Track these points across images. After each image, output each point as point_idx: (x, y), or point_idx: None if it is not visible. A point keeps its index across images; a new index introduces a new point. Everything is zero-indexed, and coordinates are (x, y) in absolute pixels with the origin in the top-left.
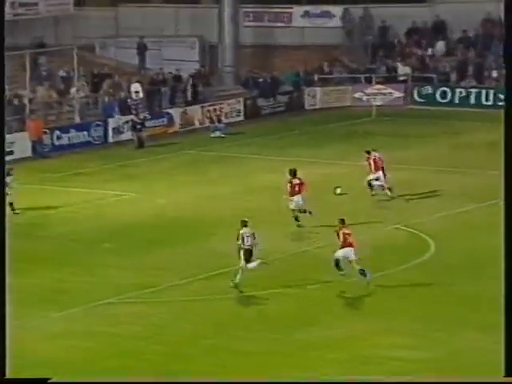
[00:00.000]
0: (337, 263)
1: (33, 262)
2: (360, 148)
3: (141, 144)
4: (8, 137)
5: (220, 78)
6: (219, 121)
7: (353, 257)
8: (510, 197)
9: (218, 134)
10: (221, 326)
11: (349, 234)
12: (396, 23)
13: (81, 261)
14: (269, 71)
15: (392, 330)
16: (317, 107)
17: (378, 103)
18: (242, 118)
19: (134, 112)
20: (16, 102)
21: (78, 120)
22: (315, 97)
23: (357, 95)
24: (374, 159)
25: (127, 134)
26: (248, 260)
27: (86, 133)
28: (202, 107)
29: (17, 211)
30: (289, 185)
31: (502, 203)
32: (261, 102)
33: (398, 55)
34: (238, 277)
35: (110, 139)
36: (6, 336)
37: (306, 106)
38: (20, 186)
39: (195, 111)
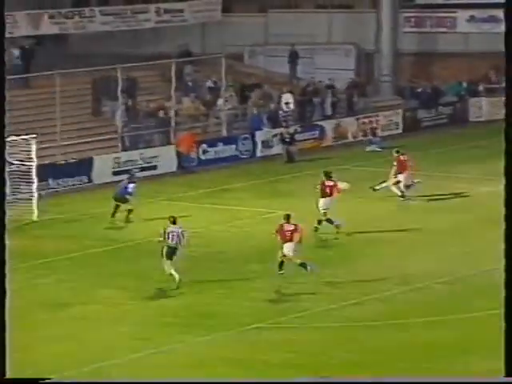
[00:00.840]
0: (280, 264)
1: (173, 283)
2: None
3: (291, 158)
4: (151, 151)
5: (376, 88)
6: (374, 134)
7: (291, 253)
8: (510, 196)
9: (373, 147)
10: (382, 354)
11: (290, 231)
12: None
13: (228, 283)
14: (429, 80)
15: None
16: (482, 119)
17: None
18: (399, 130)
19: (284, 124)
20: (161, 114)
21: (225, 133)
22: (481, 108)
23: None
24: (400, 159)
25: (276, 148)
26: (171, 258)
27: (233, 146)
28: (357, 119)
29: (131, 219)
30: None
31: None
32: (421, 113)
33: None
34: (174, 273)
35: (259, 153)
36: (5, 336)
37: (471, 118)
38: (164, 203)
39: (349, 124)
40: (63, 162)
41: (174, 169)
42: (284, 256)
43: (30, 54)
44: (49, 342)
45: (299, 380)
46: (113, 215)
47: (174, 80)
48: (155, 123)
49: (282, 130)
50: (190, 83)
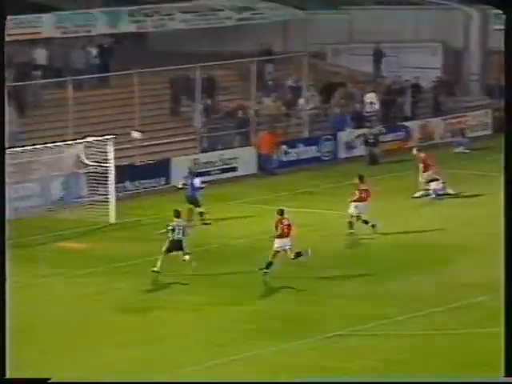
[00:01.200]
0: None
1: (252, 288)
2: None
3: (374, 160)
4: (231, 152)
5: (465, 88)
6: (463, 135)
7: (287, 246)
8: (510, 195)
9: (461, 149)
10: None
11: (287, 226)
12: None
13: (308, 288)
14: None
15: None
16: None
17: None
18: (489, 131)
19: (367, 125)
20: (240, 114)
21: (306, 134)
22: None
23: None
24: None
25: (359, 149)
26: (171, 250)
27: (314, 148)
28: (444, 119)
29: (207, 221)
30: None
31: None
32: None
33: None
34: (159, 264)
35: (341, 155)
36: (5, 336)
37: None
38: (244, 206)
39: (436, 124)
40: (141, 164)
41: (254, 170)
42: (277, 252)
43: (108, 53)
44: (125, 347)
45: (299, 380)
46: (189, 218)
47: (254, 79)
48: (234, 123)
49: (365, 130)
50: (270, 82)
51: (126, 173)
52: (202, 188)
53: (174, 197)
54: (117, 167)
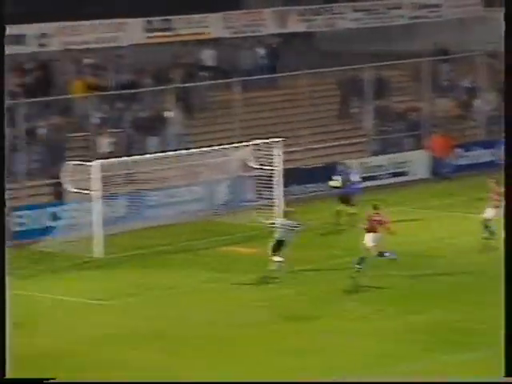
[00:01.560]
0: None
1: (426, 296)
2: None
3: None
4: (402, 155)
5: None
6: None
7: (371, 243)
8: (510, 194)
9: None
10: None
11: (377, 221)
12: None
13: (475, 298)
14: None
15: None
16: None
17: None
18: None
19: None
20: (411, 115)
21: (483, 136)
22: None
23: None
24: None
25: None
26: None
27: (491, 151)
28: None
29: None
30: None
31: None
32: None
33: None
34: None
35: None
36: (5, 336)
37: None
38: (416, 212)
39: None
40: (308, 167)
41: (427, 175)
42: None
43: (276, 53)
44: (287, 355)
45: (300, 380)
46: (336, 221)
47: (427, 80)
48: (406, 126)
49: None
50: (445, 83)
51: (292, 176)
52: (359, 184)
53: None
54: (284, 170)
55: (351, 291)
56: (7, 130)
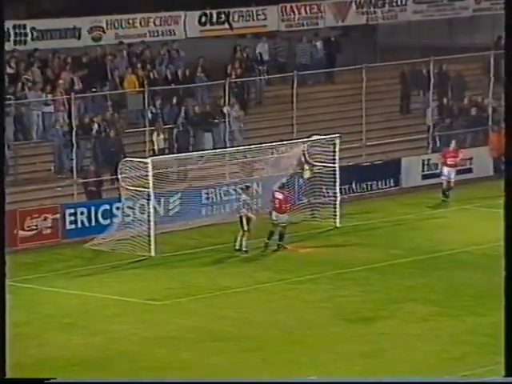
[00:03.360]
0: None
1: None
2: None
3: None
4: (466, 152)
5: None
6: None
7: None
8: (510, 193)
9: None
10: None
11: None
12: None
13: None
14: None
15: None
16: None
17: None
18: None
19: None
20: (475, 111)
21: None
22: None
23: None
24: None
25: None
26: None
27: None
28: None
29: None
30: None
31: None
32: None
33: None
34: None
35: None
36: (5, 336)
37: None
38: (480, 210)
39: None
40: (368, 164)
41: (491, 172)
42: None
43: (335, 47)
44: (346, 358)
45: (299, 380)
46: None
47: (492, 74)
48: (469, 121)
49: None
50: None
51: (352, 174)
52: None
53: (404, 199)
54: (342, 168)
55: (409, 293)
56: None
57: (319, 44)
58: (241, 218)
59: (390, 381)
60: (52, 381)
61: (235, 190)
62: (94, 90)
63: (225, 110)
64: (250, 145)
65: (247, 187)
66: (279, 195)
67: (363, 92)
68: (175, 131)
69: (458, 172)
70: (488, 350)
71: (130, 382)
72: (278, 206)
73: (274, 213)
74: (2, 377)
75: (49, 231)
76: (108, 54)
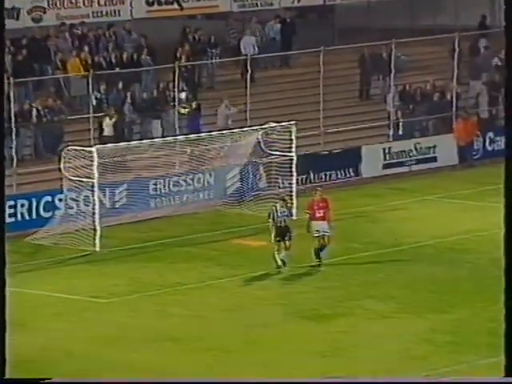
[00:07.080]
0: None
1: (452, 295)
2: None
3: None
4: (429, 140)
5: None
6: None
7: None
8: (510, 193)
9: None
10: None
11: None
12: None
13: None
14: None
15: None
16: None
17: None
18: None
19: None
20: (437, 97)
21: None
22: None
23: None
24: None
25: None
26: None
27: None
28: None
29: None
30: None
31: None
32: None
33: None
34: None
35: None
36: (5, 336)
37: None
38: (443, 201)
39: None
40: (326, 153)
41: (456, 161)
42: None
43: (290, 29)
44: (304, 357)
45: (299, 380)
46: None
47: (456, 58)
48: (433, 108)
49: None
50: (479, 61)
51: (309, 163)
52: None
53: (364, 190)
54: (299, 156)
55: (370, 288)
56: None
57: (275, 25)
58: (279, 229)
59: (390, 381)
60: (48, 381)
61: (185, 181)
62: (33, 74)
63: (180, 95)
64: (202, 132)
65: (284, 200)
66: None
67: (321, 77)
68: (122, 118)
69: (421, 161)
70: (451, 349)
71: (130, 381)
72: None
73: None
74: (2, 377)
75: None
76: (49, 35)
